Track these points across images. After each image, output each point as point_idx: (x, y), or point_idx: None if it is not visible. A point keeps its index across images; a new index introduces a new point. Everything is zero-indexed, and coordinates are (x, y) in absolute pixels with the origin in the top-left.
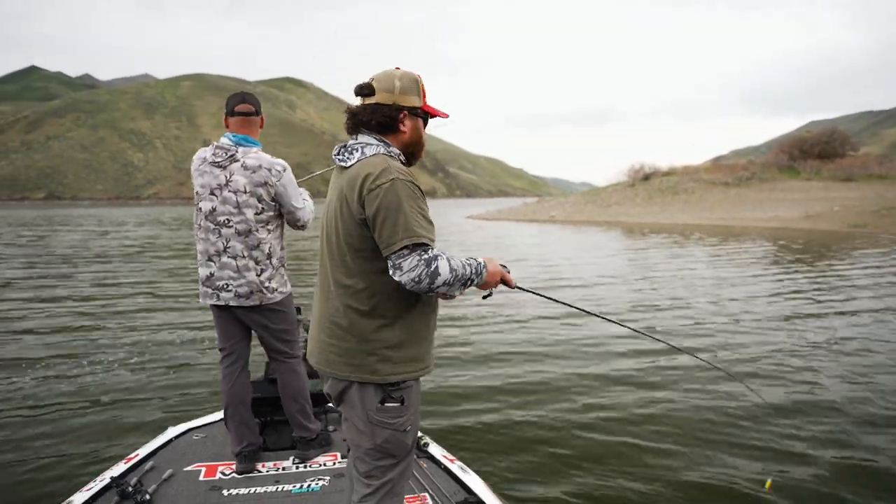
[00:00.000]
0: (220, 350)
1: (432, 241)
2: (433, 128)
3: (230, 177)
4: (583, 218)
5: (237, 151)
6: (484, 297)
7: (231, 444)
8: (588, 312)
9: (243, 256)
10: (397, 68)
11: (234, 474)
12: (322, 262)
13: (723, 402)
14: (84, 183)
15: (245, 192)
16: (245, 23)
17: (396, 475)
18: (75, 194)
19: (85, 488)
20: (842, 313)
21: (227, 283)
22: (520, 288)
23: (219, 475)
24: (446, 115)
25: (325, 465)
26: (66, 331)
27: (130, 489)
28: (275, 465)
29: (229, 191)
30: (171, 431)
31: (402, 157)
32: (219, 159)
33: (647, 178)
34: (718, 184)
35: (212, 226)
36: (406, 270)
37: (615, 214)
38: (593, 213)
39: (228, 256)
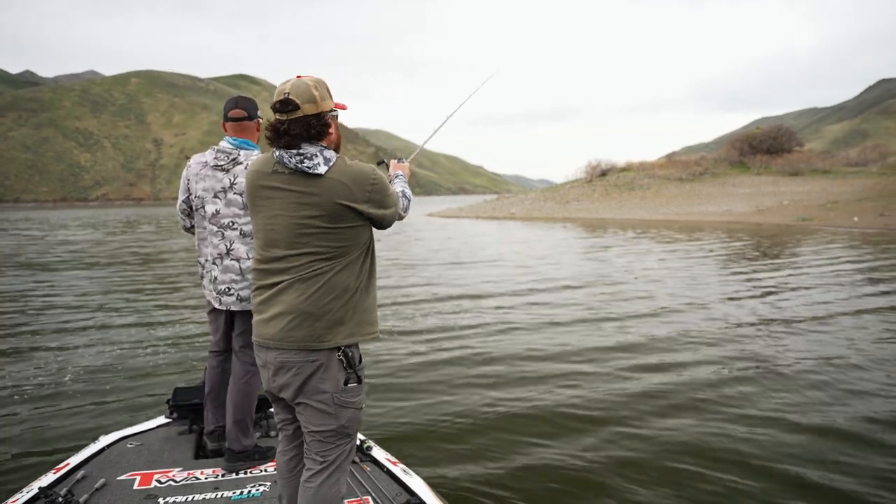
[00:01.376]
0: (211, 352)
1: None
2: (393, 125)
3: (234, 179)
4: (542, 214)
5: (239, 154)
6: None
7: (206, 424)
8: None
9: (247, 258)
10: (299, 76)
11: (170, 482)
12: (290, 260)
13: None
14: (27, 184)
15: None
16: (198, 18)
17: (347, 450)
18: (18, 196)
19: (11, 499)
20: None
21: (229, 287)
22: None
23: (154, 483)
24: (345, 107)
25: (265, 470)
26: None
27: (60, 499)
28: (213, 471)
29: (234, 193)
30: (104, 440)
31: None
32: (221, 163)
33: (604, 174)
34: (673, 179)
35: (215, 228)
36: (402, 208)
37: (574, 211)
38: (553, 209)
39: (232, 259)
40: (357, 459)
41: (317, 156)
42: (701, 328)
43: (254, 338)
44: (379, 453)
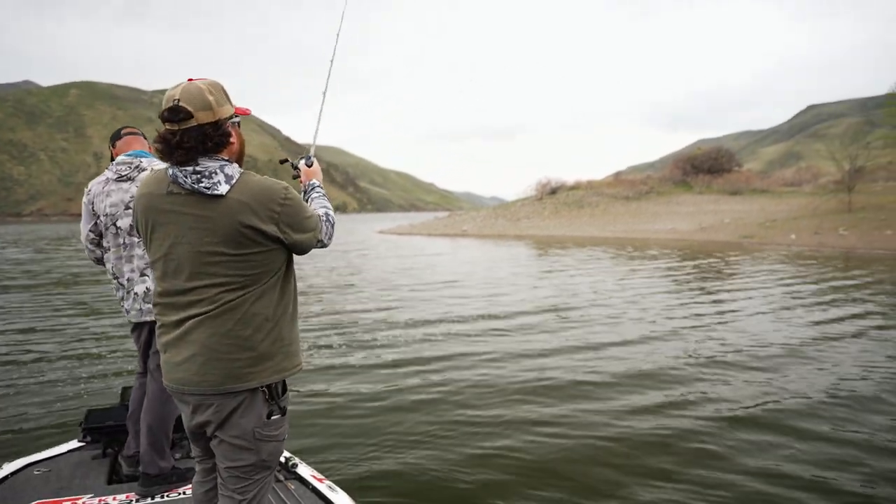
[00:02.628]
0: (139, 373)
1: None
2: (345, 142)
3: None
4: (494, 232)
5: (141, 162)
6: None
7: (127, 448)
8: None
9: None
10: (190, 80)
11: None
12: (200, 291)
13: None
14: None
15: None
16: (140, 28)
17: (265, 484)
18: None
19: None
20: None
21: None
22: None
23: None
24: (248, 112)
25: (184, 493)
26: None
27: None
28: (127, 497)
29: None
30: (7, 468)
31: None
32: (125, 173)
33: (554, 192)
34: (620, 198)
35: (136, 240)
36: (327, 240)
37: (525, 228)
38: (504, 227)
39: None
40: (281, 477)
41: (216, 173)
42: (677, 360)
43: (165, 382)
44: (304, 470)
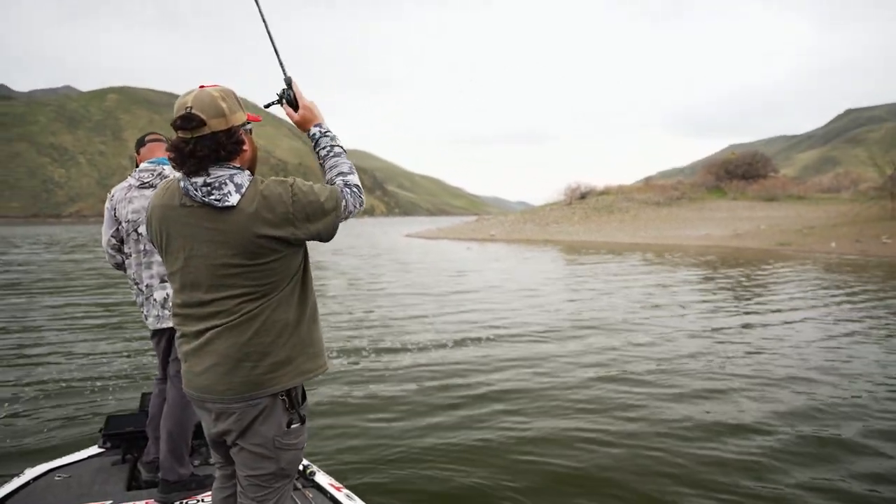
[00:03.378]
0: (158, 379)
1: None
2: (372, 146)
3: None
4: (522, 236)
5: (164, 169)
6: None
7: (146, 454)
8: None
9: None
10: (202, 87)
11: None
12: (218, 304)
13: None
14: None
15: None
16: (175, 35)
17: (285, 493)
18: None
19: None
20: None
21: None
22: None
23: None
24: (259, 119)
25: (202, 500)
26: None
27: None
28: (146, 503)
29: None
30: (29, 473)
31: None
32: (147, 180)
33: (583, 197)
34: (651, 203)
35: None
36: (352, 211)
37: (554, 233)
38: (532, 231)
39: None
40: (299, 485)
41: (226, 183)
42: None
43: (186, 389)
44: (322, 479)
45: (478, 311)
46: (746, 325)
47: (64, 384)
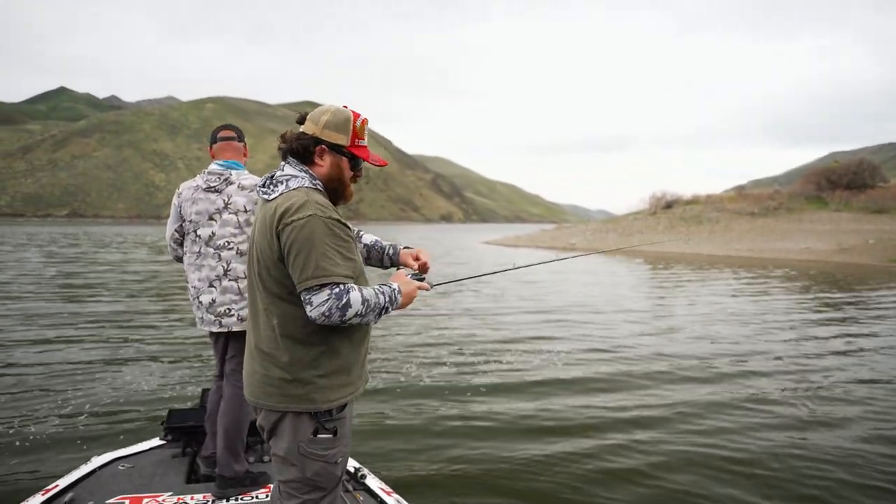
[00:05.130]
0: (216, 377)
1: (346, 276)
2: (452, 153)
3: (228, 199)
4: (604, 246)
5: (230, 174)
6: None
7: (205, 448)
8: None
9: (245, 277)
10: (345, 107)
11: None
12: (250, 289)
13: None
14: (106, 201)
15: (245, 212)
16: (267, 47)
17: None
18: (97, 212)
19: None
20: None
21: (229, 308)
22: (435, 285)
23: None
24: (382, 164)
25: (257, 497)
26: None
27: None
28: (204, 497)
29: (229, 213)
30: (95, 461)
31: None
32: (213, 184)
33: (669, 206)
34: (744, 214)
35: (212, 251)
36: (316, 305)
37: (637, 243)
38: (615, 241)
39: (230, 279)
40: (350, 488)
41: (282, 183)
42: None
43: None
44: (373, 482)
45: (569, 326)
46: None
47: (129, 376)
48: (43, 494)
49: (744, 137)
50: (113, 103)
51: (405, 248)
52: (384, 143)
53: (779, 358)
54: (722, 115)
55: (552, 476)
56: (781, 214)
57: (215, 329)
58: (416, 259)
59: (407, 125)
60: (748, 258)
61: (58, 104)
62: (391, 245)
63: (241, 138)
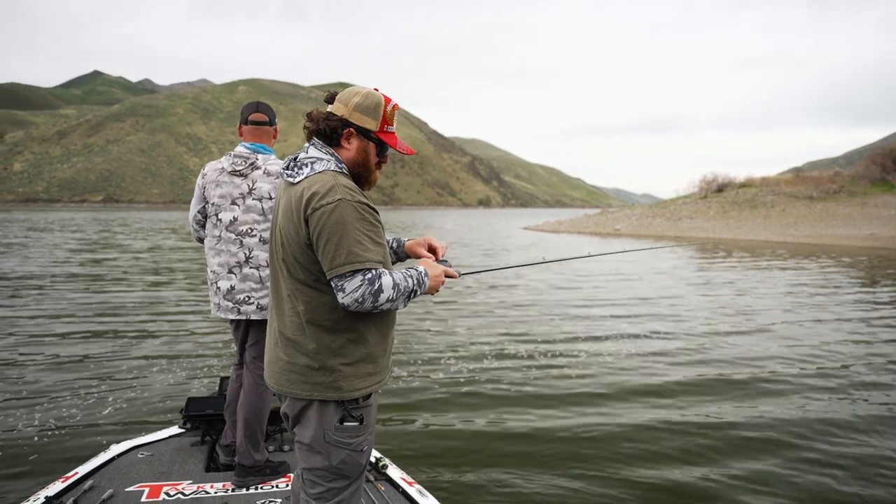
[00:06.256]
0: (235, 365)
1: (378, 262)
2: (485, 134)
3: (253, 184)
4: (651, 232)
5: (257, 159)
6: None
7: (224, 437)
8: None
9: (266, 266)
10: (375, 89)
11: (179, 495)
12: (273, 275)
13: None
14: (141, 186)
15: (270, 199)
16: (300, 27)
17: (348, 496)
18: (132, 198)
19: None
20: None
21: (248, 296)
22: (464, 274)
23: (163, 496)
24: (409, 152)
25: (276, 486)
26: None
27: None
28: (224, 486)
29: (253, 199)
30: (115, 449)
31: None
32: (239, 168)
33: (720, 189)
34: (802, 197)
35: (233, 236)
36: (349, 292)
37: (687, 229)
38: (662, 226)
39: (251, 267)
40: (372, 478)
41: (307, 166)
42: None
43: None
44: (395, 472)
45: (635, 325)
46: None
47: (148, 364)
48: (63, 481)
49: (798, 118)
50: (146, 87)
51: (409, 239)
52: (419, 125)
53: None
54: (777, 95)
55: None
56: (842, 198)
57: (233, 316)
58: (428, 247)
59: (443, 106)
60: (807, 245)
61: (92, 88)
62: (394, 238)
63: (272, 122)
